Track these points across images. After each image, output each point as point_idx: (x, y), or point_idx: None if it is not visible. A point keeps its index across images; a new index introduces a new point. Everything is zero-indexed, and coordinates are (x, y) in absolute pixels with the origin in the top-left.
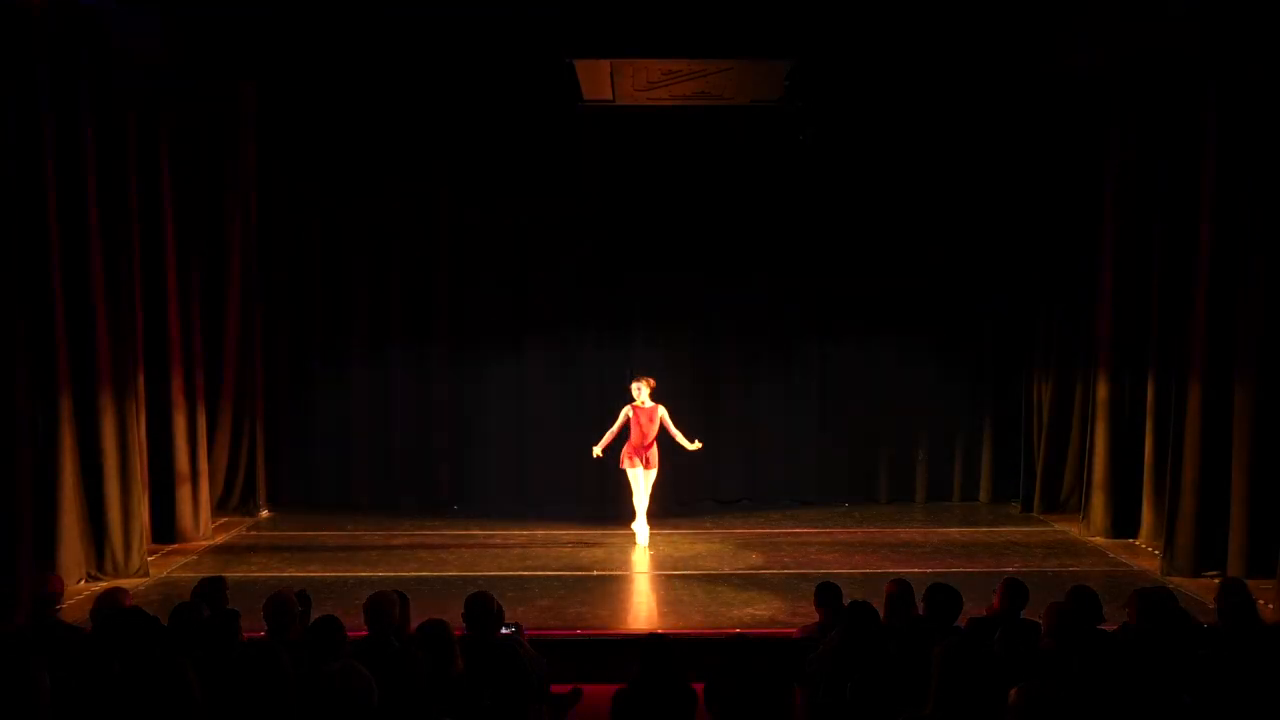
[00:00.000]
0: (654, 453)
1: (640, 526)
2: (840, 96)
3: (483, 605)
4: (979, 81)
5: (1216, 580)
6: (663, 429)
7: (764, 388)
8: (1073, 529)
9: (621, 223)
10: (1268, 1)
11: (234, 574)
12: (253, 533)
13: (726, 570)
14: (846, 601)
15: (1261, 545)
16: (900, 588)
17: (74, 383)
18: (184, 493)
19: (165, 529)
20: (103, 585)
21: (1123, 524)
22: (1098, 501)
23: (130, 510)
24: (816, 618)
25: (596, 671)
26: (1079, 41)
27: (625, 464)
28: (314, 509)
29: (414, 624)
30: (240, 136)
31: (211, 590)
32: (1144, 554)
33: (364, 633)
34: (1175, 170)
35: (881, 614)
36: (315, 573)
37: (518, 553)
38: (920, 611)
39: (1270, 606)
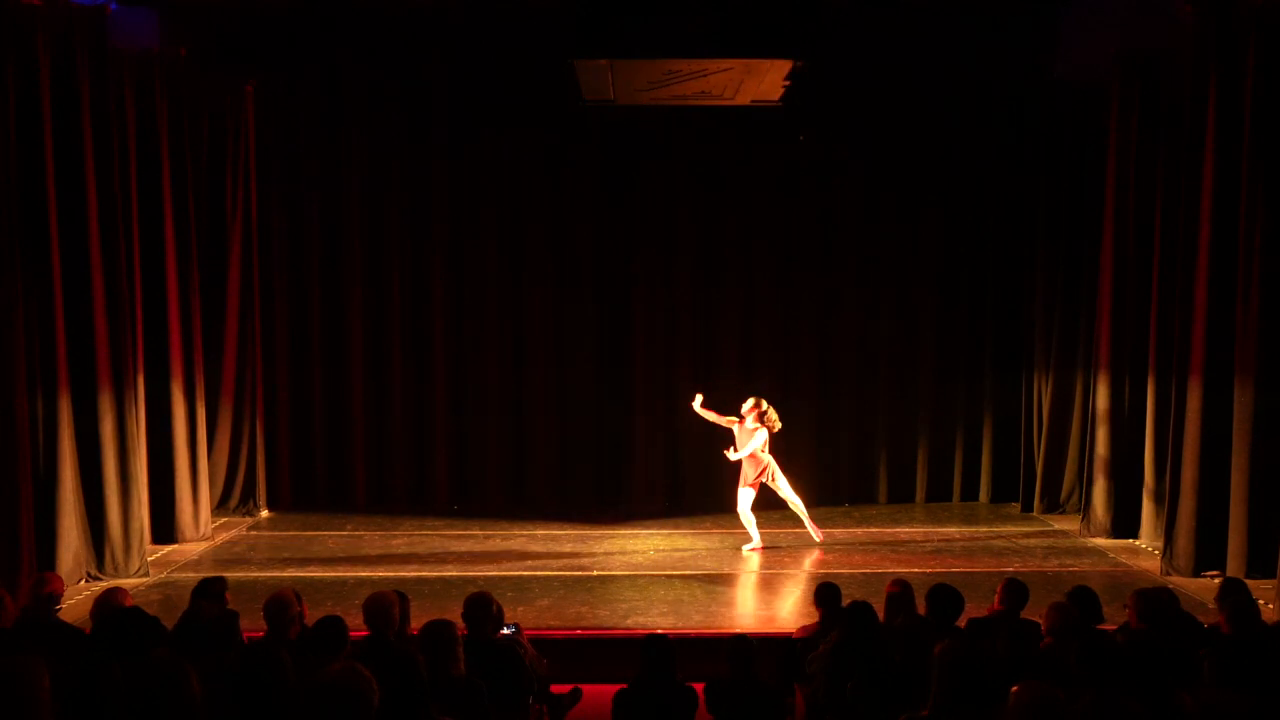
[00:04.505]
0: (744, 470)
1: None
2: (840, 96)
3: (482, 605)
4: (981, 81)
5: (1216, 580)
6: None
7: (764, 387)
8: (1073, 529)
9: (622, 221)
10: (1268, 1)
11: (234, 574)
12: (253, 533)
13: (726, 570)
14: (846, 602)
15: (1261, 545)
16: (901, 588)
17: (74, 383)
18: (184, 493)
19: (165, 529)
20: (103, 585)
21: (1123, 524)
22: (1098, 502)
23: (130, 510)
24: (816, 618)
25: (596, 671)
26: (1080, 41)
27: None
28: (314, 509)
29: (415, 624)
30: (240, 136)
31: (211, 590)
32: (1144, 554)
33: (364, 633)
34: (1175, 170)
35: (882, 614)
36: (315, 573)
37: (518, 553)
38: (922, 611)
39: (1270, 606)
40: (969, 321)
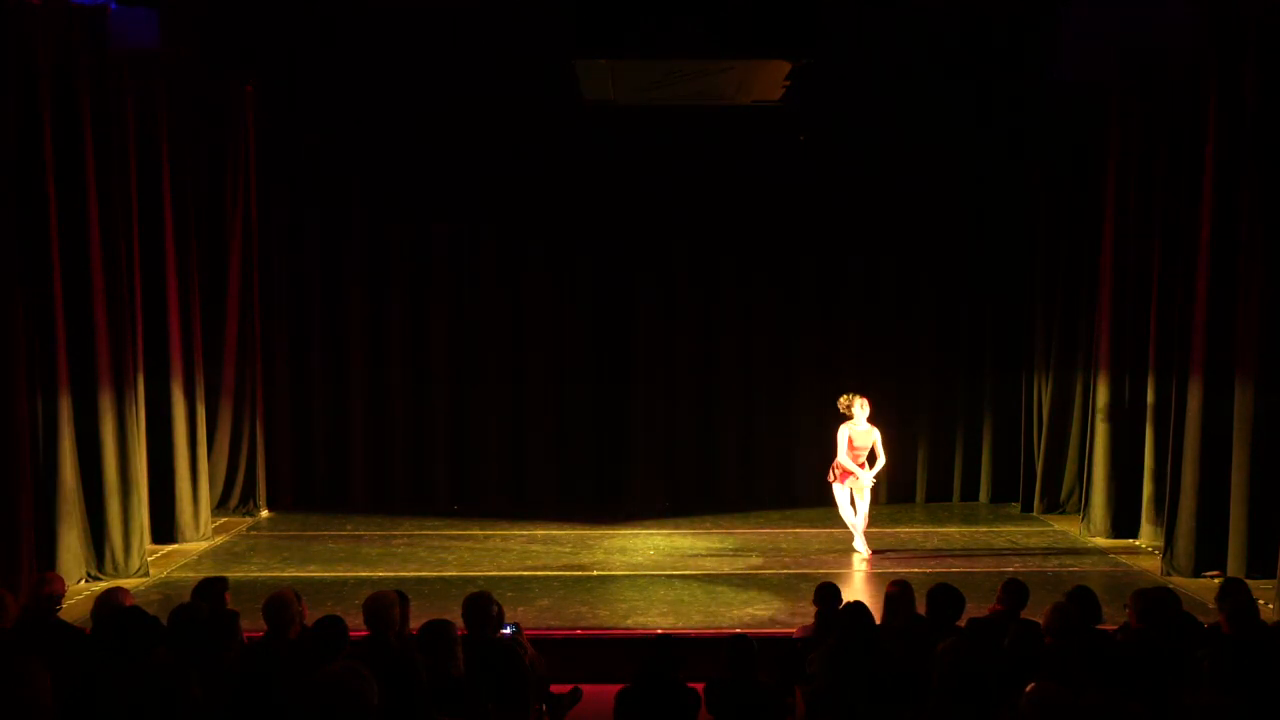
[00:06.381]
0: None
1: (860, 545)
2: (840, 96)
3: (482, 605)
4: (981, 81)
5: (1216, 580)
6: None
7: (763, 387)
8: (1073, 529)
9: (622, 221)
10: (1268, 2)
11: (234, 574)
12: (253, 533)
13: (726, 570)
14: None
15: (1261, 545)
16: (900, 588)
17: (74, 383)
18: (184, 493)
19: (165, 529)
20: (103, 585)
21: (1123, 524)
22: (1098, 501)
23: (130, 510)
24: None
25: (596, 671)
26: (1080, 41)
27: (831, 478)
28: (314, 509)
29: (415, 624)
30: (240, 137)
31: (211, 590)
32: (1144, 554)
33: (364, 633)
34: (1175, 170)
35: (882, 614)
36: (315, 573)
37: (518, 553)
38: (922, 611)
39: (1270, 606)
40: (969, 321)
